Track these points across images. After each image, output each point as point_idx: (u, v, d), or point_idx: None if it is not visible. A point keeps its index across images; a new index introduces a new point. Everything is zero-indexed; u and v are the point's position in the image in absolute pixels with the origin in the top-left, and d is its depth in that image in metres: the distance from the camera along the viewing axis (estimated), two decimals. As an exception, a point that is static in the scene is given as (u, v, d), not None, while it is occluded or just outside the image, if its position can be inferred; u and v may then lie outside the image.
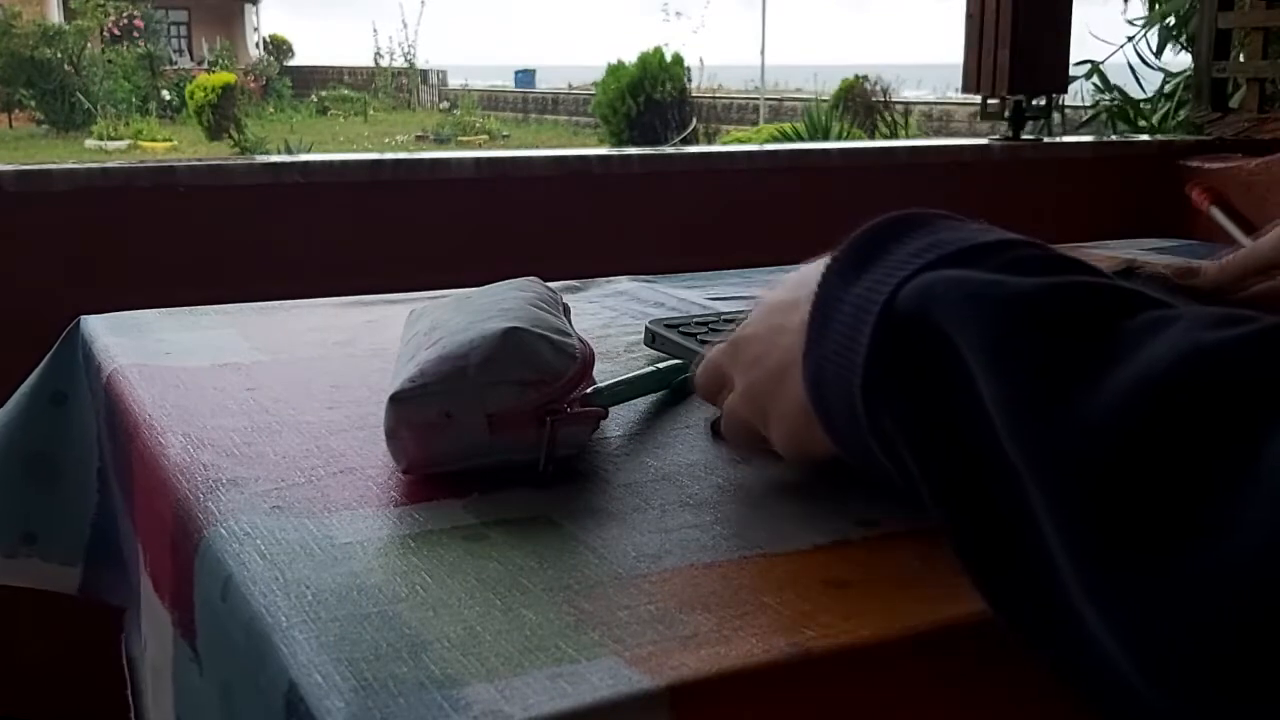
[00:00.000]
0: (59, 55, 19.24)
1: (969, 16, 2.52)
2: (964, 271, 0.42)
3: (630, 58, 17.12)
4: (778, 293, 0.57)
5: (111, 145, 17.35)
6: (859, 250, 0.48)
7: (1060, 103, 3.36)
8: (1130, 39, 3.42)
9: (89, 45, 20.26)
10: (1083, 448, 0.34)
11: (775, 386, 0.54)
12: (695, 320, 0.90)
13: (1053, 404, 0.35)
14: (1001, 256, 0.43)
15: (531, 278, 0.81)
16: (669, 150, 2.53)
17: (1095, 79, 3.41)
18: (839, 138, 8.06)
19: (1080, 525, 0.35)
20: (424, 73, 25.38)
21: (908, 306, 0.43)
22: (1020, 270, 0.40)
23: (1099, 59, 3.42)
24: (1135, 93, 3.43)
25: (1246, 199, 2.34)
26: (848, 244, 0.49)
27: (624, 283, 1.19)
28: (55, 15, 21.97)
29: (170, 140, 18.21)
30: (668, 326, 0.88)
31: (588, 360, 0.68)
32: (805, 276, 0.53)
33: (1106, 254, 0.96)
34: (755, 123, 16.97)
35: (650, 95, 16.60)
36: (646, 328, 0.90)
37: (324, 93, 24.46)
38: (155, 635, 0.69)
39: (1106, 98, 3.42)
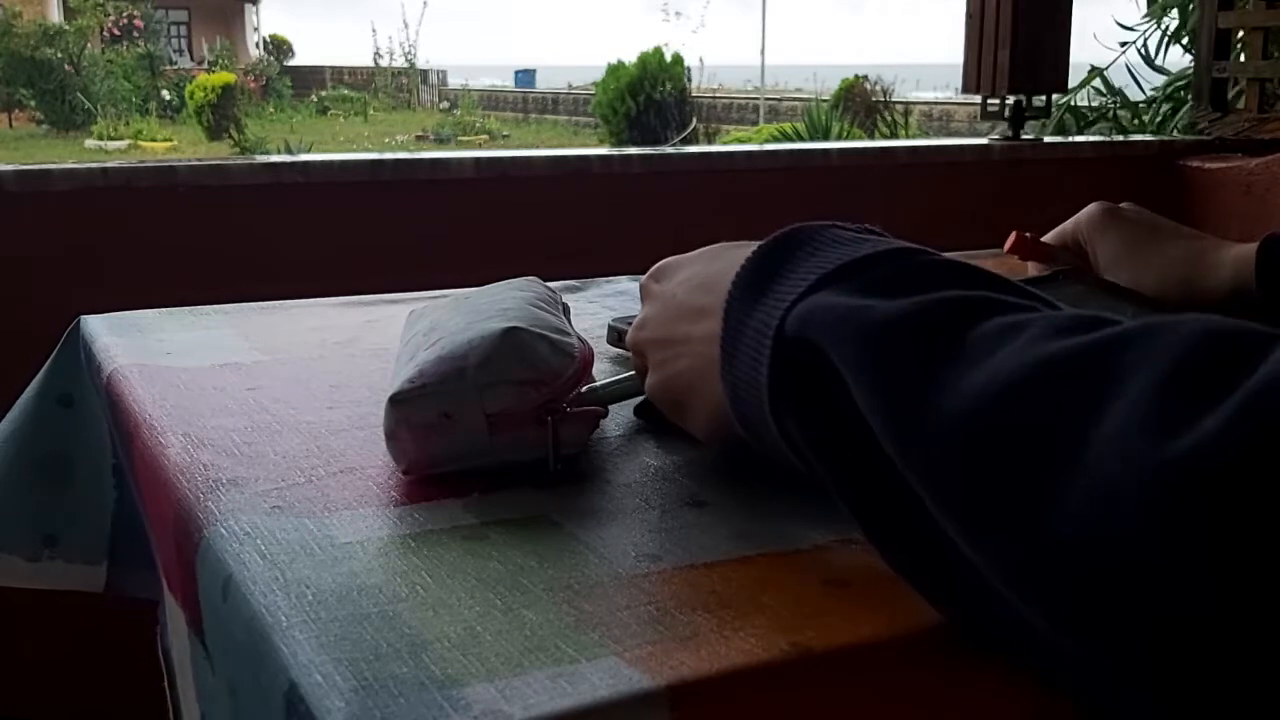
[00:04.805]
0: (59, 55, 19.22)
1: (969, 16, 2.52)
2: (837, 298, 0.48)
3: (630, 58, 17.10)
4: (683, 292, 0.62)
5: (111, 145, 17.33)
6: (756, 273, 0.53)
7: (1073, 104, 3.36)
8: (1128, 44, 3.42)
9: (89, 45, 20.24)
10: (940, 444, 0.41)
11: (687, 391, 0.61)
12: None
13: (913, 410, 0.42)
14: (875, 272, 0.48)
15: (531, 278, 0.81)
16: (669, 150, 2.53)
17: (1098, 82, 3.42)
18: (839, 138, 8.04)
19: (946, 509, 0.41)
20: (424, 73, 25.37)
21: (794, 331, 0.48)
22: (891, 287, 0.46)
23: (1101, 60, 3.42)
24: (1136, 95, 3.43)
25: (1246, 199, 2.34)
26: (748, 264, 0.53)
27: (624, 283, 1.19)
28: (55, 15, 21.95)
29: (170, 140, 18.20)
30: (629, 323, 0.87)
31: (587, 359, 0.68)
32: (710, 278, 0.59)
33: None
34: (755, 123, 16.96)
35: (650, 95, 16.59)
36: (610, 325, 0.88)
37: (324, 93, 24.45)
38: (175, 631, 0.69)
39: (1109, 100, 3.42)
